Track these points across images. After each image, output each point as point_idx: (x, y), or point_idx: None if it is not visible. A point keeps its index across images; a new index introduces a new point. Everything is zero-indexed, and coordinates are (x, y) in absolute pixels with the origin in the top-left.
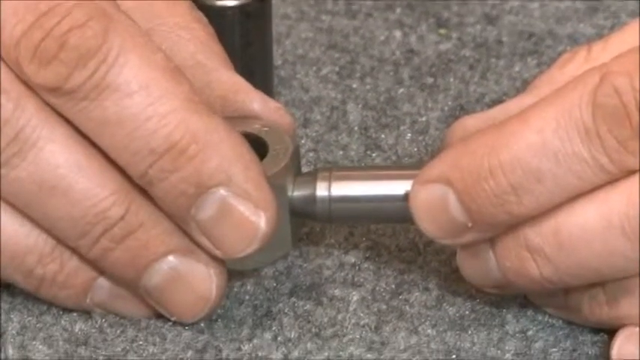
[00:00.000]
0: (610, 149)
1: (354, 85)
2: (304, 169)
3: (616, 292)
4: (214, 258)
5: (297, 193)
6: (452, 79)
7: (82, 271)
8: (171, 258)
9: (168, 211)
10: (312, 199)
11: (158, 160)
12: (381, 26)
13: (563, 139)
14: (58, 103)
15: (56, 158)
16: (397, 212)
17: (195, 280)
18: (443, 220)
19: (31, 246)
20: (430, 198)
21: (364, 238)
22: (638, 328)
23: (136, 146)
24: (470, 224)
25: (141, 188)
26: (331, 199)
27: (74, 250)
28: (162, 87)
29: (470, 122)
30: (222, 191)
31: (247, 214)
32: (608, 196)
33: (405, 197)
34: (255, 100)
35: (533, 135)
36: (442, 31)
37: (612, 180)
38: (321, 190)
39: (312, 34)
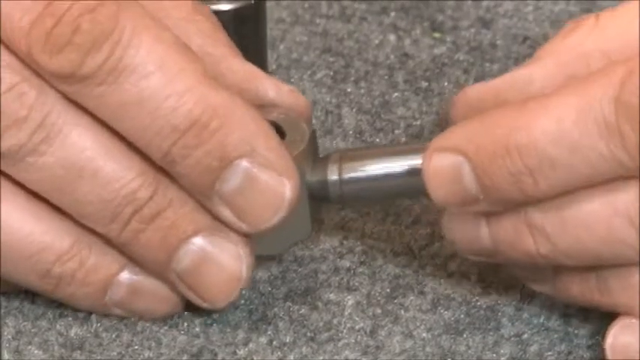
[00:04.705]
0: (631, 147)
1: (349, 89)
2: None
3: (609, 278)
4: (243, 238)
5: (311, 178)
6: (446, 83)
7: (101, 267)
8: (200, 238)
9: (191, 189)
10: (325, 182)
11: (181, 137)
12: (375, 30)
13: (581, 131)
14: (74, 90)
15: (83, 142)
16: (408, 188)
17: (226, 260)
18: (454, 190)
19: (49, 244)
20: (444, 166)
21: (359, 242)
22: (634, 320)
23: (157, 126)
24: (481, 197)
25: (163, 171)
26: (342, 182)
27: (103, 237)
28: (177, 65)
29: (473, 92)
30: (245, 162)
31: (272, 182)
32: (619, 186)
33: (415, 172)
34: (268, 86)
35: (551, 123)
36: (436, 34)
37: (628, 175)
38: (332, 174)
39: (306, 38)
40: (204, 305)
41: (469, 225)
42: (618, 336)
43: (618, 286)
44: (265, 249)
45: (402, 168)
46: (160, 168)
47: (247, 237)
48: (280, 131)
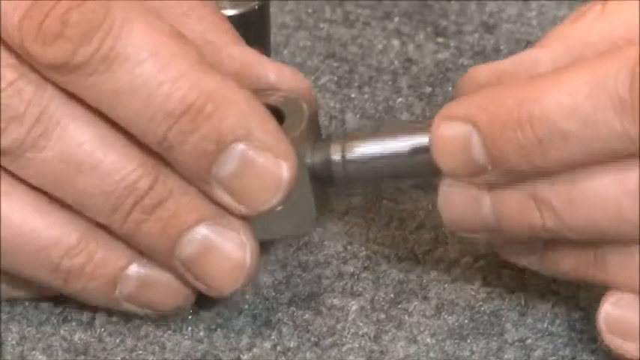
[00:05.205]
0: None
1: (353, 95)
2: None
3: (608, 255)
4: (245, 224)
5: (314, 159)
6: (450, 88)
7: (109, 261)
8: (202, 227)
9: (189, 175)
10: (328, 163)
11: (176, 122)
12: (379, 35)
13: (595, 106)
14: (67, 80)
15: (81, 135)
16: (413, 167)
17: (229, 247)
18: (462, 159)
19: (56, 238)
20: (453, 134)
21: (363, 248)
22: (625, 294)
23: (152, 112)
24: (490, 167)
25: (163, 161)
26: (345, 162)
27: (106, 229)
28: (170, 51)
29: (480, 73)
30: (241, 145)
31: (268, 164)
32: (630, 165)
33: (420, 151)
34: (270, 71)
35: (564, 96)
36: (440, 39)
37: (638, 152)
38: (335, 154)
39: (310, 43)
40: (212, 293)
41: (469, 198)
42: (611, 310)
43: (617, 263)
44: (272, 233)
45: (407, 147)
46: (160, 158)
47: (248, 222)
48: (280, 114)
